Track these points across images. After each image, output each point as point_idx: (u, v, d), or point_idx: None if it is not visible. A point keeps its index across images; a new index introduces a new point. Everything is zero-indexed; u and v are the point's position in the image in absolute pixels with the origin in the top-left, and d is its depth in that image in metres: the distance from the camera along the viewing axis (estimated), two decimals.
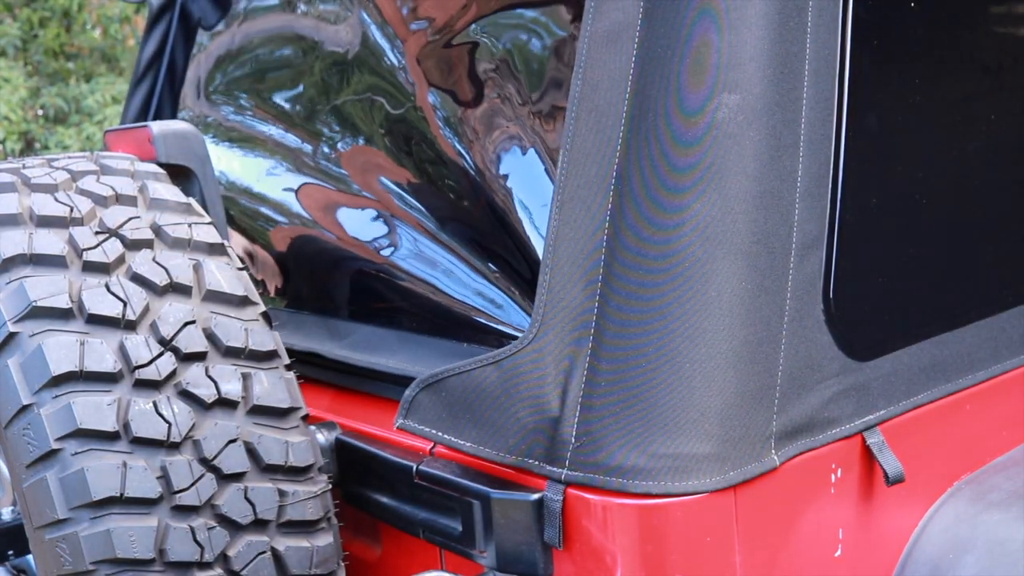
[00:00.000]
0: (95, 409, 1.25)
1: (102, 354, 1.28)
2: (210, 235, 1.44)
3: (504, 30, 1.68)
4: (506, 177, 1.61)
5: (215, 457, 1.30)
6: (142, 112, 2.47)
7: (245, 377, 1.35)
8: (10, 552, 1.76)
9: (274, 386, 1.37)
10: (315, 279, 1.98)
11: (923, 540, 1.48)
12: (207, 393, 1.31)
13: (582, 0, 1.32)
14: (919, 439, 1.47)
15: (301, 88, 2.07)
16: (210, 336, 1.35)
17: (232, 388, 1.33)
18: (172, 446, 1.28)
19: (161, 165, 1.59)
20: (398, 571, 1.56)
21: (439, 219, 1.71)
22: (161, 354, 1.31)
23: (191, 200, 1.49)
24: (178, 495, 1.27)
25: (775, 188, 1.27)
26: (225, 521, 1.30)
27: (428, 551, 1.47)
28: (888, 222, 1.44)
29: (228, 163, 2.20)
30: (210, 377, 1.32)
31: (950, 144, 1.54)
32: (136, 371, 1.29)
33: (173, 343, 1.32)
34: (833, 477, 1.37)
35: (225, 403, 1.33)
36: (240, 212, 2.11)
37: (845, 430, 1.37)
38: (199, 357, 1.33)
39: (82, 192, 1.43)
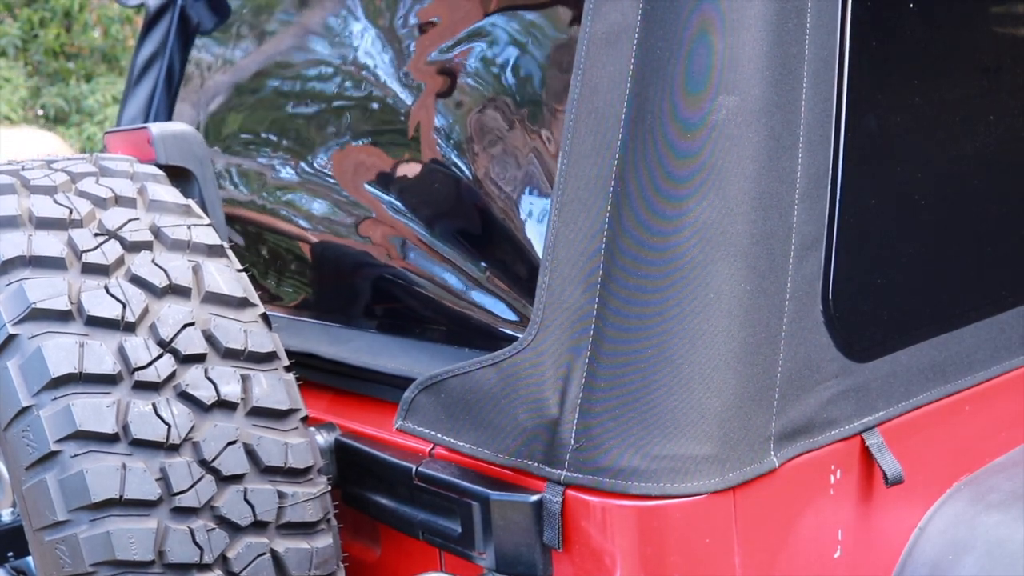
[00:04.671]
0: (94, 411, 1.25)
1: (101, 356, 1.28)
2: (209, 237, 1.44)
3: (503, 32, 1.68)
4: (505, 180, 1.61)
5: (214, 459, 1.30)
6: (139, 115, 2.47)
7: (244, 379, 1.35)
8: (10, 554, 1.77)
9: (273, 388, 1.37)
10: (316, 284, 1.98)
11: (922, 541, 1.48)
12: (206, 395, 1.31)
13: (581, 2, 1.32)
14: (918, 440, 1.47)
15: (298, 93, 2.07)
16: (209, 338, 1.35)
17: (231, 390, 1.33)
18: (171, 448, 1.28)
19: (160, 167, 1.59)
20: (397, 572, 1.56)
21: (438, 222, 1.71)
22: (160, 356, 1.31)
23: (190, 202, 1.49)
24: (177, 497, 1.27)
25: (774, 189, 1.27)
26: (225, 523, 1.30)
27: (427, 552, 1.47)
28: (887, 223, 1.44)
29: (227, 172, 2.20)
30: (209, 379, 1.32)
31: (949, 145, 1.54)
32: (135, 373, 1.29)
33: (172, 345, 1.32)
34: (832, 478, 1.37)
35: (224, 405, 1.33)
36: (242, 219, 2.11)
37: (844, 431, 1.37)
38: (198, 359, 1.33)
39: (81, 194, 1.43)
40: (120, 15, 9.84)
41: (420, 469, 1.41)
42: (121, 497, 1.24)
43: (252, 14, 2.30)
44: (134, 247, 1.38)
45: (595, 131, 1.28)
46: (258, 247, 2.09)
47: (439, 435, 1.35)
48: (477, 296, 1.61)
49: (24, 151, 2.17)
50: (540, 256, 1.41)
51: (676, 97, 1.25)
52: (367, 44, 1.91)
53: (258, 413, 1.35)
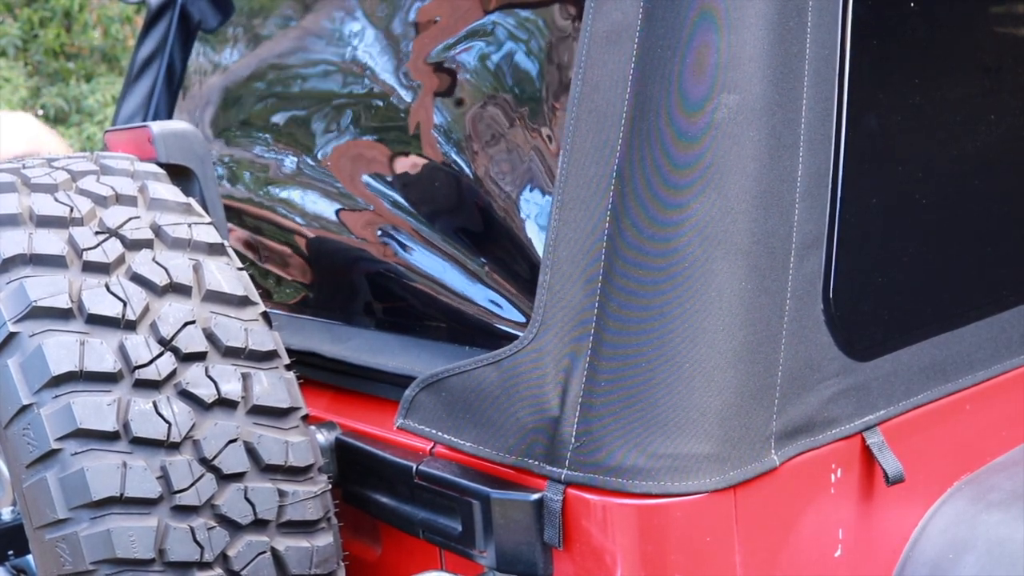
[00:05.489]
0: (95, 409, 1.25)
1: (102, 354, 1.28)
2: (210, 235, 1.44)
3: (504, 31, 1.68)
4: (506, 178, 1.61)
5: (215, 457, 1.30)
6: (138, 113, 2.47)
7: (245, 377, 1.35)
8: (10, 552, 1.77)
9: (274, 386, 1.37)
10: (318, 282, 1.98)
11: (923, 540, 1.48)
12: (207, 393, 1.31)
13: (582, 0, 1.32)
14: (919, 439, 1.47)
15: (299, 91, 2.07)
16: (210, 336, 1.35)
17: (232, 388, 1.33)
18: (172, 446, 1.28)
19: (161, 165, 1.59)
20: (398, 571, 1.56)
21: (439, 220, 1.71)
22: (161, 354, 1.31)
23: (191, 200, 1.49)
24: (178, 495, 1.27)
25: (775, 188, 1.27)
26: (225, 521, 1.30)
27: (428, 551, 1.47)
28: (888, 222, 1.44)
29: (228, 171, 2.20)
30: (210, 377, 1.32)
31: (950, 144, 1.54)
32: (136, 371, 1.29)
33: (173, 343, 1.32)
34: (833, 477, 1.37)
35: (225, 403, 1.32)
36: (244, 218, 2.11)
37: (845, 430, 1.37)
38: (199, 357, 1.33)
39: (82, 192, 1.43)
40: (120, 15, 9.84)
41: (421, 468, 1.41)
42: (121, 495, 1.24)
43: (254, 12, 2.30)
44: (135, 245, 1.38)
45: (596, 130, 1.28)
46: (259, 245, 2.09)
47: (440, 433, 1.35)
48: (478, 294, 1.61)
49: (7, 134, 2.16)
50: (541, 254, 1.41)
51: (677, 96, 1.25)
52: (371, 42, 1.91)
53: (258, 411, 1.35)
